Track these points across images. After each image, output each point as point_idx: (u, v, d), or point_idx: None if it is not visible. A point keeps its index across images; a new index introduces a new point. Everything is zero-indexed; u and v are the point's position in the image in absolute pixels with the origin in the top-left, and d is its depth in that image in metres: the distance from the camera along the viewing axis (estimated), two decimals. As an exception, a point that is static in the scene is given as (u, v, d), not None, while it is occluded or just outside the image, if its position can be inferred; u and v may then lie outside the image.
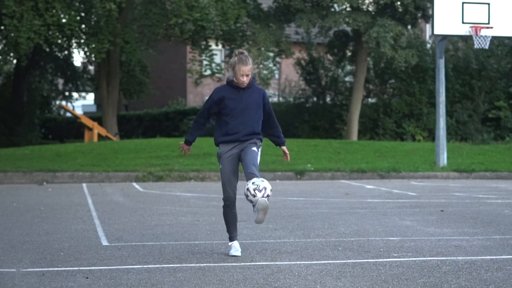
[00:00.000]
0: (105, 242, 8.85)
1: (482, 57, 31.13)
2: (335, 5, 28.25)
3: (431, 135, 30.19)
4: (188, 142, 8.09)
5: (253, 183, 7.48)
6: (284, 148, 8.13)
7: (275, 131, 8.10)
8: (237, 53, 7.86)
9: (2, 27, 28.70)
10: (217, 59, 31.32)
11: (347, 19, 27.56)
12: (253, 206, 7.57)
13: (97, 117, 34.14)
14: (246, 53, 7.87)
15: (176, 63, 40.85)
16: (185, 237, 9.21)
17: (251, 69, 7.82)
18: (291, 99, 33.81)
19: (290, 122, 31.97)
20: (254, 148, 7.85)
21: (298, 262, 7.51)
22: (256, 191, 7.45)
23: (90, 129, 29.20)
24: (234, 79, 7.82)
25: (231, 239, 8.00)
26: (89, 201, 13.93)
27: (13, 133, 33.60)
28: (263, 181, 7.52)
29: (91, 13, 27.54)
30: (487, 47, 20.03)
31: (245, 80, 7.80)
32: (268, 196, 7.47)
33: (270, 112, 8.03)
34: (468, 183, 18.85)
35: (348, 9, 28.23)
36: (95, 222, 10.77)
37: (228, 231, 8.00)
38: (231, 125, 7.83)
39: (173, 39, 28.94)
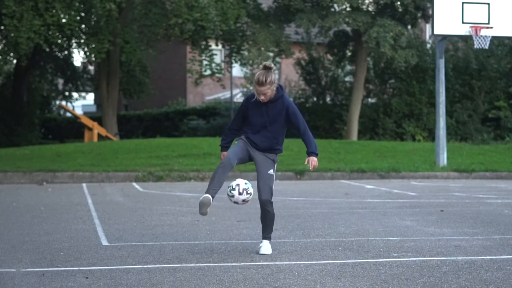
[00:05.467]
0: (105, 242, 8.85)
1: (482, 57, 31.13)
2: (335, 5, 28.25)
3: (431, 135, 30.19)
4: (225, 148, 8.00)
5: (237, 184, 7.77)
6: (310, 158, 7.86)
7: (304, 139, 7.93)
8: (262, 67, 7.73)
9: (2, 27, 28.69)
10: (217, 59, 31.30)
11: (347, 19, 27.56)
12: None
13: (97, 117, 34.13)
14: (270, 67, 7.67)
15: (176, 63, 40.83)
16: (185, 237, 9.21)
17: (272, 86, 7.65)
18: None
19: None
20: (271, 172, 7.86)
21: (298, 262, 7.50)
22: (233, 191, 7.79)
23: (90, 129, 29.19)
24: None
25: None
26: (89, 201, 13.93)
27: (13, 133, 33.58)
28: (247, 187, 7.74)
29: (91, 13, 27.54)
30: (487, 47, 20.02)
31: (263, 98, 7.71)
32: (241, 194, 7.77)
33: (296, 122, 7.85)
34: (468, 183, 18.85)
35: (348, 9, 28.22)
36: (95, 222, 10.77)
37: (208, 189, 7.83)
38: (252, 137, 7.84)
39: (173, 39, 28.93)
